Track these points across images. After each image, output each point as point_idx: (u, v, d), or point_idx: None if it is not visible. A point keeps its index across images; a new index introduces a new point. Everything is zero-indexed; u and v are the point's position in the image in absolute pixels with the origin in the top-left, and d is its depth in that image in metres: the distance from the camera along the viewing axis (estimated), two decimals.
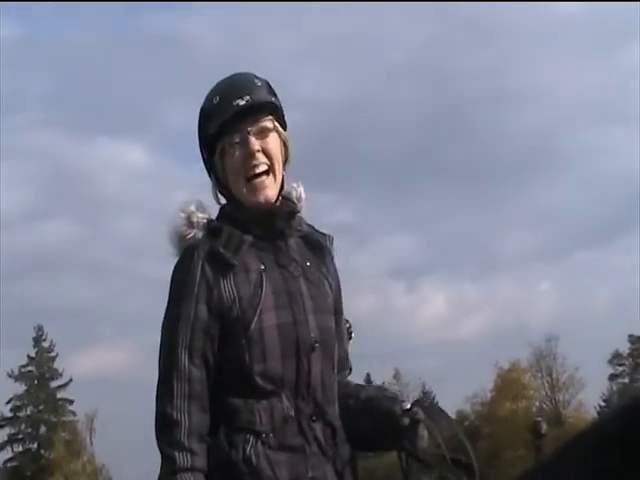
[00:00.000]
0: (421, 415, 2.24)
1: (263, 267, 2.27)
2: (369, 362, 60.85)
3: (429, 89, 68.10)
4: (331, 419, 2.27)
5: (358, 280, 69.59)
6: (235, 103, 2.27)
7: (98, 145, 77.08)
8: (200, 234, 2.30)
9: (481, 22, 64.35)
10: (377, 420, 2.30)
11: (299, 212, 2.40)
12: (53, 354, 51.80)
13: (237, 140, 2.30)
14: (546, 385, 49.27)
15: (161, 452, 2.19)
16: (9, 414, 50.76)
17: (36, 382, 51.16)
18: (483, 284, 70.39)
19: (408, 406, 2.28)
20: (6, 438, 50.52)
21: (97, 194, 66.59)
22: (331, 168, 66.95)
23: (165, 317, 2.29)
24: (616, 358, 47.74)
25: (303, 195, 2.41)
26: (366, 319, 65.11)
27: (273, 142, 2.33)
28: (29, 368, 51.16)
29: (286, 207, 2.36)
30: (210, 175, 2.39)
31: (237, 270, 2.25)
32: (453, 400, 52.19)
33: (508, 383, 47.21)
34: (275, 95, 2.37)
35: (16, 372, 50.63)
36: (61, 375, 51.58)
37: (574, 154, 66.59)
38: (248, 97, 2.28)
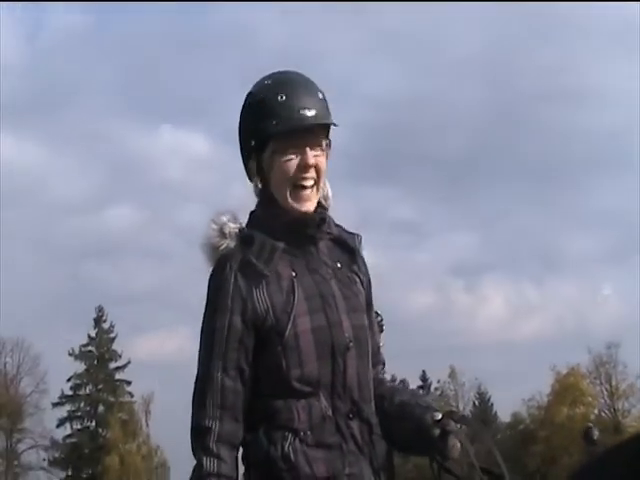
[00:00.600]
0: (452, 427, 2.25)
1: (294, 274, 2.30)
2: (426, 358, 60.54)
3: (494, 87, 67.39)
4: (368, 416, 2.30)
5: (418, 276, 69.14)
6: (302, 113, 2.28)
7: (162, 133, 77.59)
8: (233, 244, 2.32)
9: (549, 19, 62.76)
10: (408, 427, 2.32)
11: (329, 216, 2.43)
12: (112, 335, 52.59)
13: (295, 149, 2.30)
14: (605, 393, 48.59)
15: (194, 458, 2.26)
16: (69, 392, 51.50)
17: (95, 362, 51.82)
18: (544, 285, 69.96)
19: (439, 417, 2.27)
20: (66, 415, 51.31)
21: (160, 181, 67.23)
22: (395, 164, 66.84)
23: (202, 329, 2.33)
24: None
25: (330, 193, 2.44)
26: (425, 316, 64.85)
27: (324, 160, 2.35)
28: (89, 348, 51.82)
29: (318, 214, 2.37)
30: (248, 164, 2.39)
31: (269, 279, 2.28)
32: (509, 402, 52.54)
33: (566, 388, 46.87)
34: (329, 110, 2.39)
35: (77, 351, 51.53)
36: (120, 357, 52.37)
37: (638, 155, 64.92)
38: (315, 111, 2.30)
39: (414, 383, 53.95)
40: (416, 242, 71.68)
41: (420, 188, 68.89)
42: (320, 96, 2.36)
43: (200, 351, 2.33)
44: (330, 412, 2.24)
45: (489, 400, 53.50)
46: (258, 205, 2.42)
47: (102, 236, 65.31)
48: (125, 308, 66.34)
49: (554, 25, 64.82)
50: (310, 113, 2.30)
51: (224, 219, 2.36)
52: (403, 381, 54.78)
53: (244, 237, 2.34)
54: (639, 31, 56.32)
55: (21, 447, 50.87)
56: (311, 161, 2.31)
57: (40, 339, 63.16)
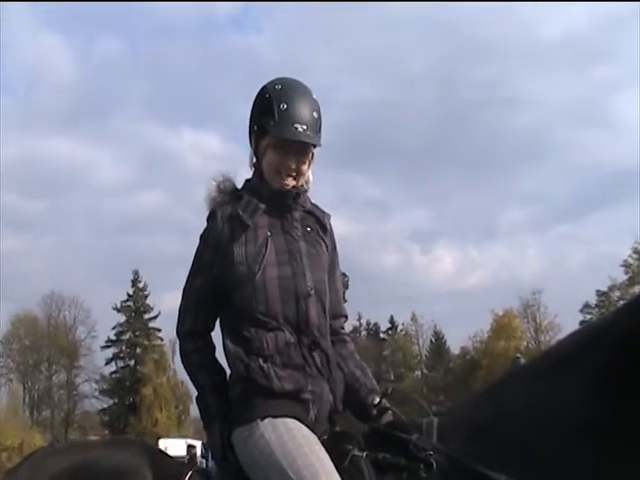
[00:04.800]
0: (387, 406, 2.27)
1: (270, 233, 2.25)
2: (393, 305, 62.88)
3: (441, 94, 69.34)
4: (326, 349, 2.25)
5: (385, 242, 71.76)
6: (295, 126, 2.23)
7: (184, 133, 78.93)
8: (226, 198, 2.31)
9: (483, 42, 66.06)
10: (352, 402, 2.32)
11: (306, 192, 2.36)
12: (146, 293, 53.04)
13: (284, 153, 2.27)
14: (532, 329, 50.17)
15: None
16: (113, 337, 52.40)
17: (133, 314, 52.55)
18: (483, 248, 69.60)
19: (377, 401, 2.28)
20: (111, 355, 52.37)
21: (182, 171, 67.58)
22: (364, 155, 68.27)
23: (195, 254, 2.32)
24: (586, 308, 47.63)
25: (311, 178, 2.36)
26: (391, 272, 66.96)
27: (306, 167, 2.32)
28: (128, 303, 52.60)
29: (295, 190, 2.31)
30: (250, 139, 2.35)
31: (249, 231, 2.24)
32: (458, 339, 53.27)
33: (502, 326, 47.96)
34: (320, 129, 2.31)
35: (119, 305, 52.44)
36: (152, 309, 52.94)
37: (555, 148, 68.35)
38: (306, 128, 2.24)
39: (384, 325, 55.83)
40: (383, 216, 72.30)
41: (385, 173, 70.12)
42: (315, 115, 2.28)
43: (186, 280, 2.33)
44: (294, 341, 2.19)
45: (443, 338, 54.36)
46: (252, 175, 2.38)
47: (137, 214, 67.15)
48: (156, 270, 67.97)
49: (489, 45, 67.80)
50: (301, 129, 2.23)
51: (222, 178, 2.35)
52: (376, 324, 55.24)
53: (235, 194, 2.32)
54: (552, 50, 59.73)
55: (78, 381, 52.20)
56: (293, 166, 2.26)
57: (90, 296, 66.01)
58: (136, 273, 53.25)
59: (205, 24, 74.86)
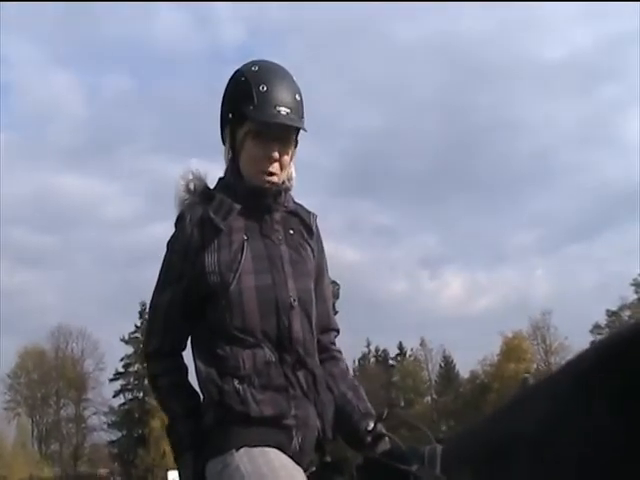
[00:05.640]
0: (383, 432, 2.03)
1: (246, 237, 2.02)
2: (402, 332, 63.08)
3: (447, 119, 69.78)
4: (312, 368, 2.02)
5: (393, 269, 72.00)
6: (278, 109, 2.01)
7: (190, 164, 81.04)
8: (196, 199, 2.09)
9: (487, 66, 66.69)
10: (344, 428, 2.07)
11: (288, 190, 2.14)
12: None
13: (265, 140, 2.04)
14: (541, 351, 50.03)
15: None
16: (122, 369, 52.10)
17: (141, 345, 50.76)
18: (491, 271, 69.91)
19: (371, 426, 2.02)
20: (119, 387, 51.86)
21: None
22: (372, 182, 69.21)
23: (162, 263, 2.10)
24: (596, 329, 46.94)
25: (294, 174, 2.16)
26: (400, 299, 67.21)
27: (288, 158, 2.09)
28: (136, 335, 51.79)
29: (275, 187, 2.07)
30: (223, 131, 2.14)
31: (222, 236, 2.01)
32: (468, 363, 53.06)
33: (511, 348, 47.81)
34: (303, 114, 2.09)
35: (126, 337, 52.21)
36: None
37: (562, 169, 68.58)
38: (289, 111, 2.02)
39: (393, 352, 55.76)
40: (391, 242, 72.19)
41: (393, 200, 70.42)
42: (297, 98, 2.07)
43: (154, 292, 2.09)
44: (274, 359, 1.95)
45: (452, 362, 54.17)
46: (226, 171, 2.15)
47: (146, 246, 65.48)
48: None
49: (493, 70, 68.43)
50: (284, 112, 2.02)
51: (190, 177, 2.14)
52: (385, 351, 55.78)
53: (206, 194, 2.10)
54: (557, 72, 60.34)
55: (87, 413, 52.05)
56: (276, 156, 2.04)
57: (98, 328, 64.09)
58: (143, 304, 51.32)
59: (212, 56, 75.61)
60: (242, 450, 1.89)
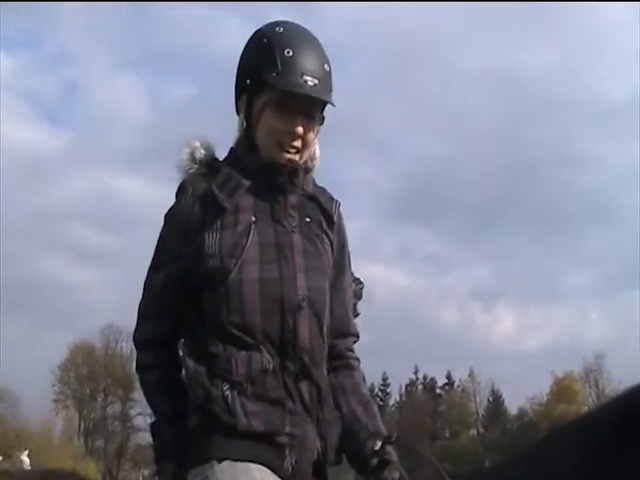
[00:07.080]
0: (390, 457, 1.75)
1: (254, 219, 1.76)
2: (451, 362, 62.47)
3: (507, 150, 69.22)
4: (317, 380, 1.76)
5: (445, 298, 71.38)
6: (305, 78, 1.74)
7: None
8: (201, 170, 1.84)
9: (548, 101, 65.88)
10: (349, 446, 1.80)
11: (310, 170, 1.90)
12: None
13: (288, 112, 1.77)
14: (594, 394, 48.90)
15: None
16: None
17: None
18: (545, 309, 69.52)
19: (379, 447, 1.76)
20: None
21: None
22: (427, 209, 69.25)
23: (158, 239, 1.86)
24: None
25: (317, 153, 1.91)
26: (451, 329, 66.72)
27: (313, 134, 1.82)
28: None
29: (290, 165, 1.80)
30: (238, 100, 1.87)
31: (226, 215, 1.75)
32: (516, 399, 52.39)
33: (562, 389, 47.34)
34: (332, 87, 1.82)
35: None
36: None
37: (626, 210, 67.01)
38: (317, 82, 1.75)
39: (441, 381, 55.21)
40: (443, 271, 71.98)
41: (447, 229, 69.81)
42: (327, 68, 1.79)
43: (149, 267, 1.86)
44: (272, 367, 1.69)
45: (501, 397, 53.13)
46: (238, 143, 1.88)
47: None
48: None
49: (554, 105, 67.58)
50: (311, 82, 1.74)
51: (197, 144, 1.87)
52: (432, 379, 55.32)
53: (213, 166, 1.83)
54: (615, 111, 59.15)
55: (132, 413, 51.66)
56: (300, 131, 1.77)
57: None
58: None
59: None
60: (224, 463, 1.65)
